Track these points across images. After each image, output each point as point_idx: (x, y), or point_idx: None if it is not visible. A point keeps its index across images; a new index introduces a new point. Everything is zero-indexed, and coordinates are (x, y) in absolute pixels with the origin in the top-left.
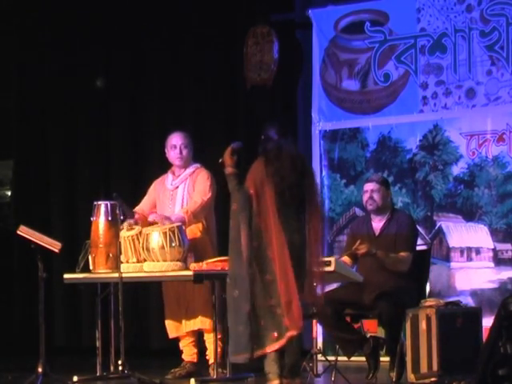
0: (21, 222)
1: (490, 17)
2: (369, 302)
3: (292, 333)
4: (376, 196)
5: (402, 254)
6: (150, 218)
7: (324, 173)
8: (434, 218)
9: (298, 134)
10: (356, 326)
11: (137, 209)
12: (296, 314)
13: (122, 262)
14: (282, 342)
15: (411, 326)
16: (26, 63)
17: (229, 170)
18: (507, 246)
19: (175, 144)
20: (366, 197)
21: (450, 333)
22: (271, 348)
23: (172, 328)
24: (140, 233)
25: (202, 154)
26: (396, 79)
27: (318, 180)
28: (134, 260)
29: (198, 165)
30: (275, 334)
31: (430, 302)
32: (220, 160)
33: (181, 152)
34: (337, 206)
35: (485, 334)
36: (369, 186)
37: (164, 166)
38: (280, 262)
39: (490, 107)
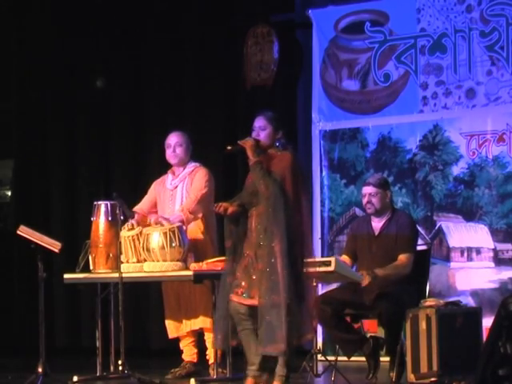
0: (21, 222)
1: (490, 17)
2: (369, 302)
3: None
4: (374, 200)
5: (401, 256)
6: (149, 220)
7: (324, 173)
8: (434, 218)
9: (298, 133)
10: (356, 326)
11: (136, 208)
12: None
13: (122, 262)
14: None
15: (411, 326)
16: (25, 63)
17: (253, 159)
18: (507, 246)
19: (170, 143)
20: (364, 201)
21: (450, 333)
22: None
23: (172, 328)
24: (140, 233)
25: (202, 153)
26: (396, 79)
27: None
28: (134, 260)
29: (197, 164)
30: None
31: (430, 301)
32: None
33: (174, 150)
34: (337, 206)
35: (485, 334)
36: (366, 190)
37: (164, 166)
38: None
39: (490, 107)
